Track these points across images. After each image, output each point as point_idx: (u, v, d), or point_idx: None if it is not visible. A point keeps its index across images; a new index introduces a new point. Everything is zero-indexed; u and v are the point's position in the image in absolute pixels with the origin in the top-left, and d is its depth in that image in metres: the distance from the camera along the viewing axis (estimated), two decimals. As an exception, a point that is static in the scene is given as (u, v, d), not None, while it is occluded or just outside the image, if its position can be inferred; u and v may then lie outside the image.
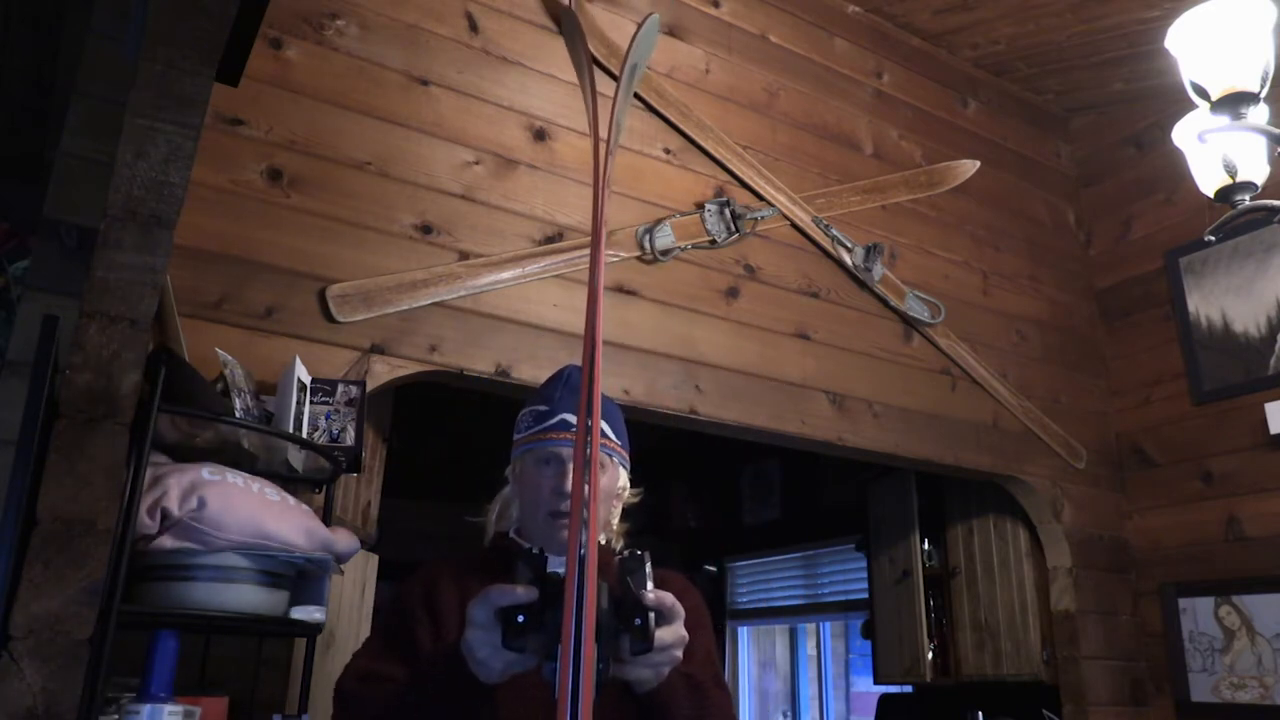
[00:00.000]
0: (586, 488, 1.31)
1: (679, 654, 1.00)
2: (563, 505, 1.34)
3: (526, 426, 1.43)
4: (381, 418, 2.39)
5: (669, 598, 0.96)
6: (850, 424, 2.84)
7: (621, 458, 1.45)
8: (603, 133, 1.00)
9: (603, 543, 1.44)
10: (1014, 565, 3.45)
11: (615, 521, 1.48)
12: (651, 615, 0.91)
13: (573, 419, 1.37)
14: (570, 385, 1.43)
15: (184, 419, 1.62)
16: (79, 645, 1.30)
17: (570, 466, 1.36)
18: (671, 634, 0.98)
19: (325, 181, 2.18)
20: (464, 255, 2.31)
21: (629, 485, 1.48)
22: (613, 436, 1.44)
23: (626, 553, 0.95)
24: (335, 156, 2.21)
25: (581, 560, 0.76)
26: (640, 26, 0.98)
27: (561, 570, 1.34)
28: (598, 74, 2.66)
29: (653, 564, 1.45)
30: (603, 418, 1.42)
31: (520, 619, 0.90)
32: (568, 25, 0.80)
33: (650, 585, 0.93)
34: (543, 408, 1.41)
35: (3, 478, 1.37)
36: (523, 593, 0.90)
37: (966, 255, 3.32)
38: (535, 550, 0.94)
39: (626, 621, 0.90)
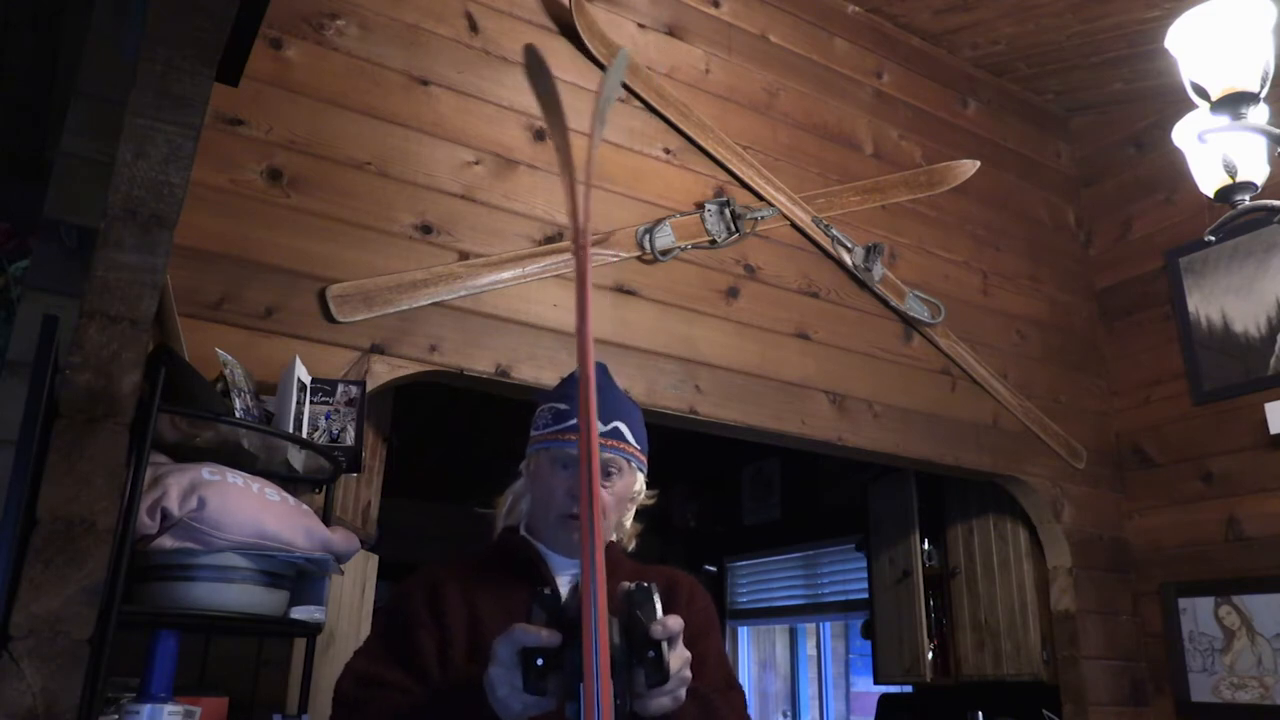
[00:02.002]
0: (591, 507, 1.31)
1: (689, 673, 1.00)
2: (575, 509, 1.32)
3: (544, 424, 1.40)
4: (381, 418, 2.39)
5: (675, 623, 0.95)
6: (850, 424, 2.84)
7: (639, 462, 1.43)
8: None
9: (613, 540, 1.44)
10: (1014, 565, 3.45)
11: (628, 523, 1.46)
12: (664, 645, 0.90)
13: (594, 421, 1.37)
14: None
15: (184, 419, 1.62)
16: (79, 645, 1.30)
17: None
18: (679, 658, 0.97)
19: (325, 181, 2.18)
20: (464, 255, 2.31)
21: (645, 488, 1.46)
22: (631, 440, 1.41)
23: (634, 586, 0.94)
24: (335, 156, 2.21)
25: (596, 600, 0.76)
26: (611, 64, 0.98)
27: (566, 571, 1.34)
28: (596, 73, 2.66)
29: (657, 562, 1.44)
30: (622, 419, 1.40)
31: (539, 662, 0.89)
32: (532, 64, 0.78)
33: (659, 614, 0.92)
34: (562, 406, 1.39)
35: (3, 478, 1.37)
36: (546, 636, 0.90)
37: (966, 255, 3.32)
38: (548, 591, 0.94)
39: (640, 655, 0.90)
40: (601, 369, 1.42)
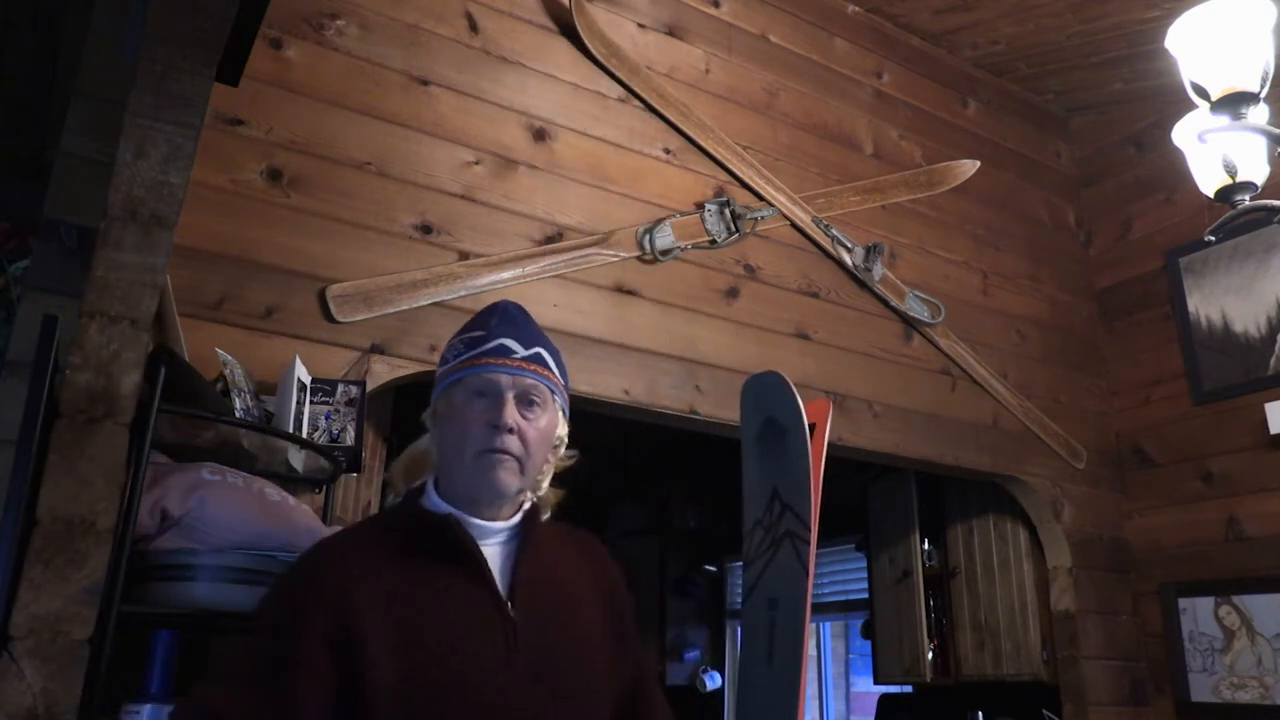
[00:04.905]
0: (521, 435, 1.18)
1: None
2: (497, 442, 1.16)
3: (456, 355, 1.23)
4: (381, 418, 2.39)
5: None
6: (850, 424, 2.84)
7: (563, 399, 1.27)
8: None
9: (527, 507, 1.24)
10: (1014, 565, 3.45)
11: (545, 482, 1.29)
12: None
13: (513, 345, 1.21)
14: (508, 316, 1.26)
15: (184, 419, 1.62)
16: (79, 645, 1.30)
17: (510, 396, 1.18)
18: None
19: (325, 181, 2.18)
20: (464, 255, 2.31)
21: (566, 439, 1.30)
22: (553, 368, 1.25)
23: None
24: (335, 156, 2.21)
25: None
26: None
27: (493, 540, 1.17)
28: (596, 73, 2.67)
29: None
30: (543, 347, 1.25)
31: None
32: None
33: None
34: (477, 333, 1.23)
35: (3, 478, 1.37)
36: None
37: (966, 255, 3.31)
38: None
39: None
40: (517, 307, 1.30)
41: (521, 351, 1.21)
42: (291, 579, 1.16)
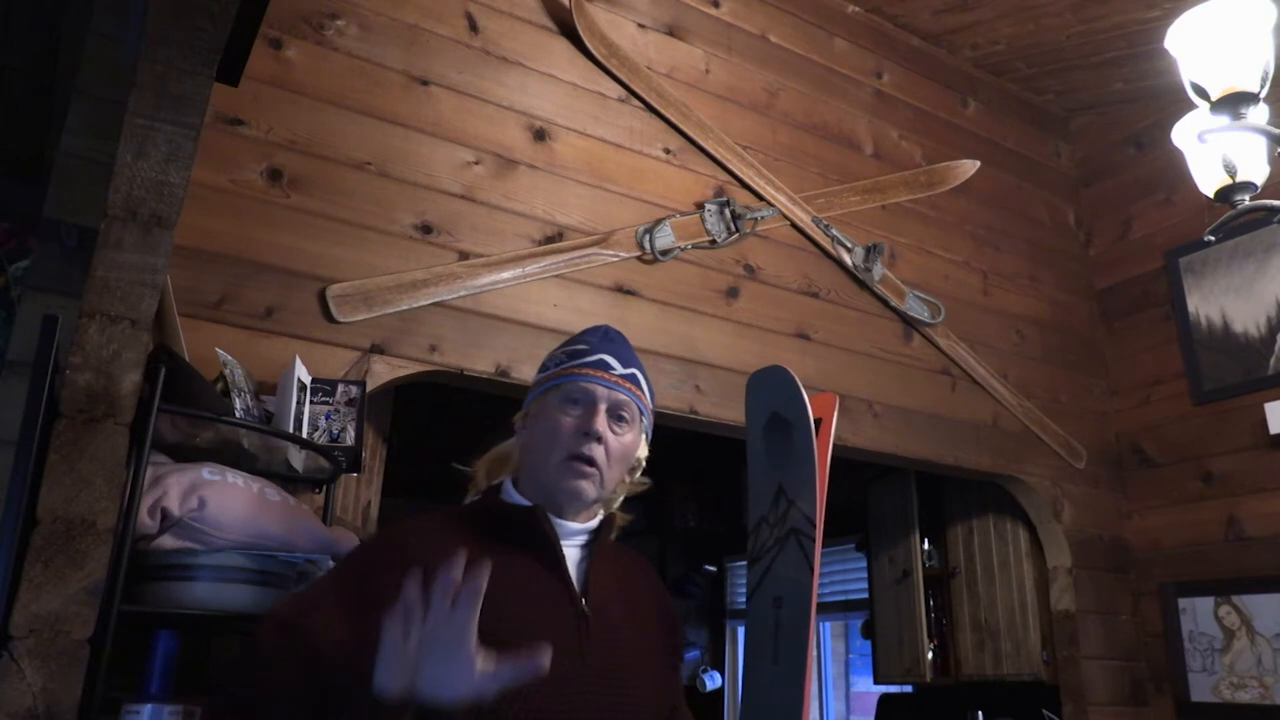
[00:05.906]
0: (606, 446, 1.24)
1: None
2: (585, 448, 1.22)
3: (557, 363, 1.31)
4: (381, 418, 2.39)
5: None
6: (850, 424, 2.84)
7: (648, 421, 1.33)
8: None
9: (603, 516, 1.30)
10: (1014, 565, 3.45)
11: (618, 501, 1.35)
12: None
13: (612, 361, 1.28)
14: (610, 337, 1.34)
15: (184, 419, 1.62)
16: (79, 645, 1.30)
17: (603, 407, 1.25)
18: None
19: (325, 181, 2.18)
20: (464, 255, 2.31)
21: (644, 463, 1.36)
22: (645, 390, 1.32)
23: None
24: (335, 156, 2.21)
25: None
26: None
27: (571, 540, 1.23)
28: (596, 73, 2.67)
29: (657, 564, 1.39)
30: (638, 369, 1.32)
31: None
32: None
33: None
34: (580, 346, 1.31)
35: (3, 478, 1.37)
36: None
37: (966, 255, 3.32)
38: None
39: None
40: (618, 332, 1.37)
41: (619, 369, 1.28)
42: (376, 542, 1.23)
